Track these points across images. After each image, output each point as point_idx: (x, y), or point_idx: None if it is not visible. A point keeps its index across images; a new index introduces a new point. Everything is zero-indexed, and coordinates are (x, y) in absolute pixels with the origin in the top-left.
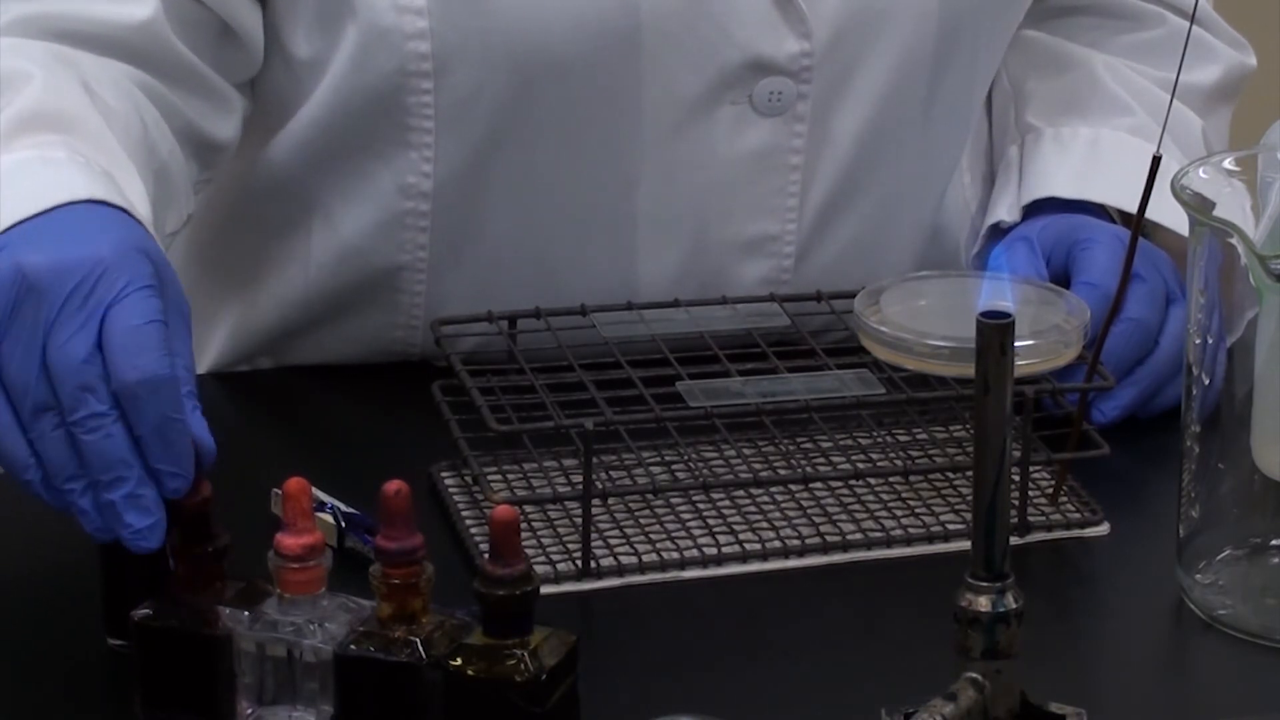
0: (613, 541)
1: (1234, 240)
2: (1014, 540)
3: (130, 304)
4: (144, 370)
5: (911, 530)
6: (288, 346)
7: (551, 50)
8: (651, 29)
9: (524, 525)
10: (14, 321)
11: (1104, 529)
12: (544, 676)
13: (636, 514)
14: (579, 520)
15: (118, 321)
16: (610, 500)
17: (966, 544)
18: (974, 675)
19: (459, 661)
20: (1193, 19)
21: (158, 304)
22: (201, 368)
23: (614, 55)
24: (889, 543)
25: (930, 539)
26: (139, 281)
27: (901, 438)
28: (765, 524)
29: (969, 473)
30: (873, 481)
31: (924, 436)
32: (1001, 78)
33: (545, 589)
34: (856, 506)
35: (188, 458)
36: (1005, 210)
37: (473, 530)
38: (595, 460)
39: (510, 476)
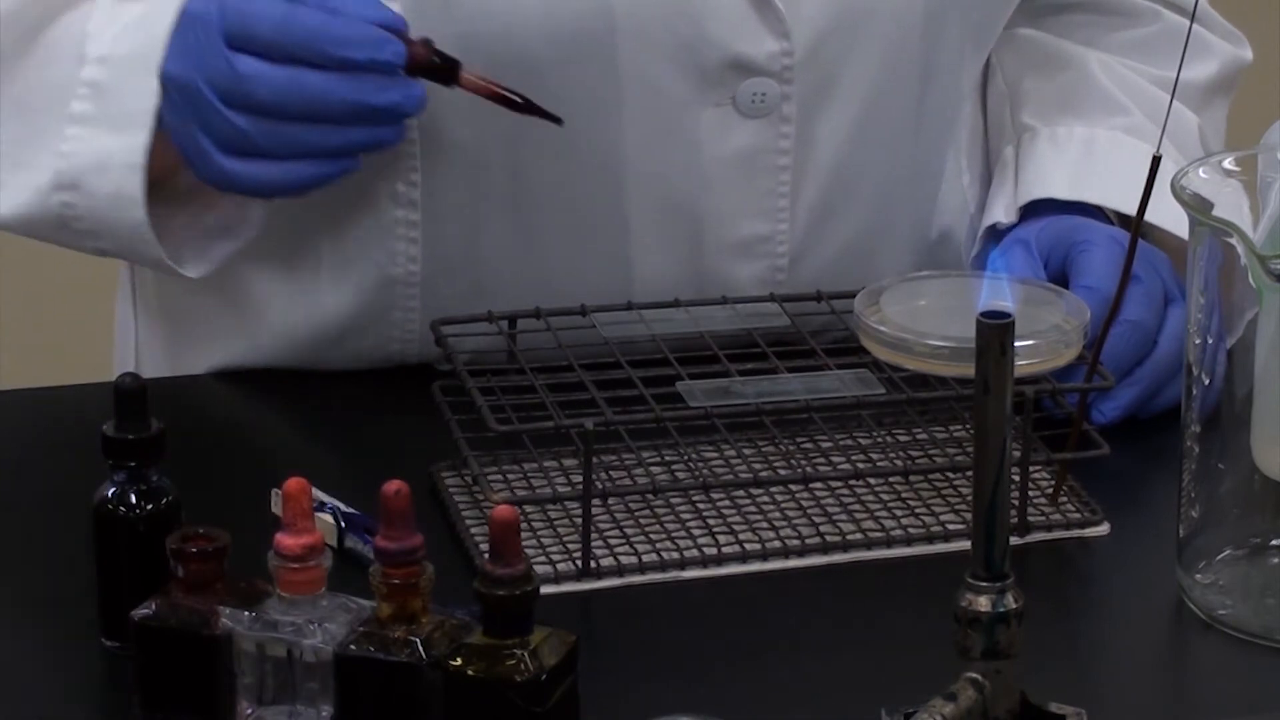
0: (613, 541)
1: (1234, 240)
2: (1014, 540)
3: None
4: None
5: (911, 530)
6: (282, 362)
7: (527, 51)
8: (627, 30)
9: (524, 525)
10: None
11: (1104, 529)
12: (544, 676)
13: (636, 514)
14: (579, 520)
15: None
16: (610, 500)
17: (966, 544)
18: (974, 675)
19: (459, 661)
20: (1192, 19)
21: None
22: (199, 368)
23: (590, 56)
24: (889, 543)
25: (930, 539)
26: None
27: (901, 438)
28: (765, 524)
29: (969, 473)
30: (873, 481)
31: (924, 436)
32: (996, 77)
33: (545, 589)
34: (856, 506)
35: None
36: (1002, 211)
37: (473, 530)
38: (595, 460)
39: (510, 476)
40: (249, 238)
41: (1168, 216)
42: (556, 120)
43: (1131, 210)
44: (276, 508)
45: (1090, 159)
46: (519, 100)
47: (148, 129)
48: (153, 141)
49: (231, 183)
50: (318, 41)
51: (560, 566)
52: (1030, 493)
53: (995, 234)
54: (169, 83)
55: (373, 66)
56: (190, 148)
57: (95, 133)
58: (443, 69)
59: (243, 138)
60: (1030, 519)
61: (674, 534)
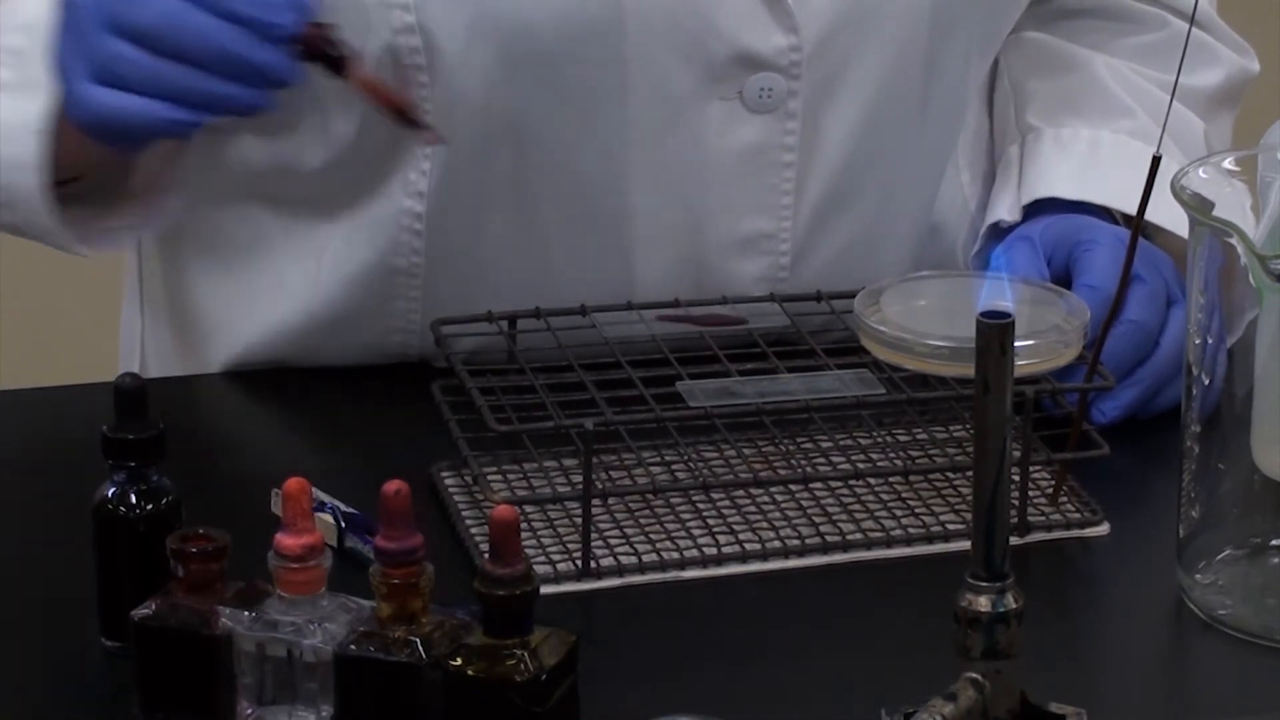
0: (613, 541)
1: (1234, 240)
2: (1014, 540)
3: None
4: None
5: (911, 530)
6: (287, 354)
7: (537, 40)
8: (635, 21)
9: (524, 525)
10: None
11: (1104, 529)
12: (544, 676)
13: (636, 514)
14: (579, 520)
15: None
16: (610, 500)
17: (966, 544)
18: (974, 675)
19: (459, 661)
20: (1192, 21)
21: None
22: (205, 367)
23: (599, 47)
24: (889, 543)
25: (930, 539)
26: None
27: (901, 438)
28: (765, 524)
29: (969, 473)
30: (873, 481)
31: (924, 436)
32: (1003, 78)
33: (545, 589)
34: (856, 506)
35: None
36: (1005, 210)
37: (473, 530)
38: (595, 460)
39: (510, 476)
40: (155, 229)
41: (1171, 217)
42: (439, 139)
43: (1134, 211)
44: (276, 508)
45: (1095, 160)
46: (401, 106)
47: (48, 92)
48: (56, 107)
49: (94, 112)
50: None
51: (560, 566)
52: (1030, 493)
53: (997, 232)
54: (66, 6)
55: (256, 25)
56: (69, 75)
57: (9, 99)
58: (333, 58)
59: (114, 64)
60: (1030, 519)
61: (674, 534)
